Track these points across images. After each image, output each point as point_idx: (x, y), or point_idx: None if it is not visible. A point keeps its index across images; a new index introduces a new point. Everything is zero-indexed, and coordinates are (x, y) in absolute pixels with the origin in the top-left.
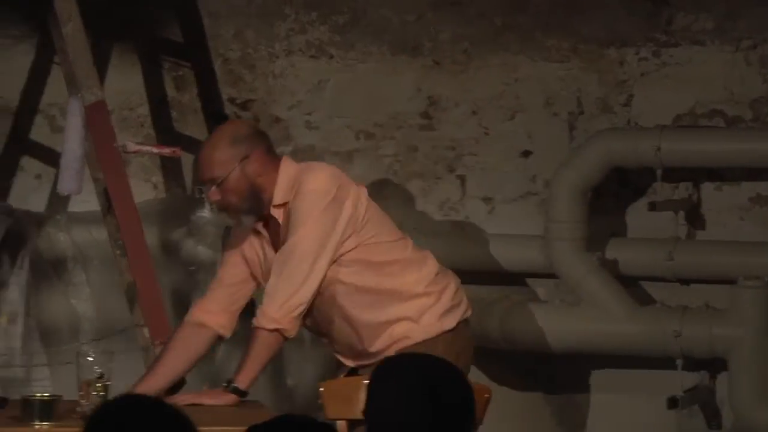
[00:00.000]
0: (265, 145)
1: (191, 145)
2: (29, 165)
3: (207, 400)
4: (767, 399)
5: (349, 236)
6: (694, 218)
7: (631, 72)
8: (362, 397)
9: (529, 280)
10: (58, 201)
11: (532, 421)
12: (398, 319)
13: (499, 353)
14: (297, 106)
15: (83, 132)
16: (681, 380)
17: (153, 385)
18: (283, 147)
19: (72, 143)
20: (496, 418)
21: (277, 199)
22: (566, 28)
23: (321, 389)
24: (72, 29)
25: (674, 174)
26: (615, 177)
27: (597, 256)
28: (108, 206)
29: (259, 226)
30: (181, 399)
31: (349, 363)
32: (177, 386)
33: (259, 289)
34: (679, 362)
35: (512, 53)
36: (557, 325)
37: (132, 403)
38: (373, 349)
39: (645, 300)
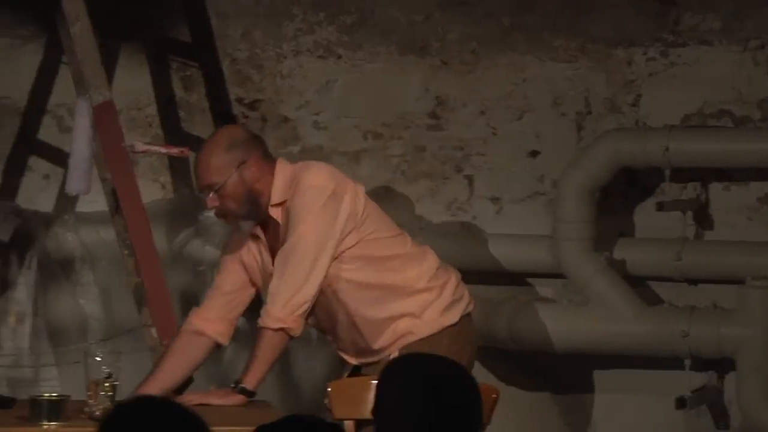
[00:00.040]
0: (262, 149)
1: (199, 145)
2: (37, 165)
3: (215, 400)
4: None
5: (350, 232)
6: (702, 218)
7: (639, 72)
8: (369, 397)
9: (537, 281)
10: (66, 201)
11: (539, 421)
12: (401, 315)
13: (507, 353)
14: (305, 106)
15: (91, 132)
16: (689, 380)
17: (150, 393)
18: (291, 147)
19: (80, 143)
20: (504, 418)
21: (275, 198)
22: (574, 28)
23: (328, 389)
24: (80, 29)
25: (682, 174)
26: (623, 177)
27: (605, 256)
28: (116, 206)
29: (258, 231)
30: (188, 399)
31: (352, 360)
32: (184, 385)
33: (259, 294)
34: (687, 362)
35: (520, 53)
36: (565, 325)
37: (146, 404)
38: (376, 345)
39: (653, 300)
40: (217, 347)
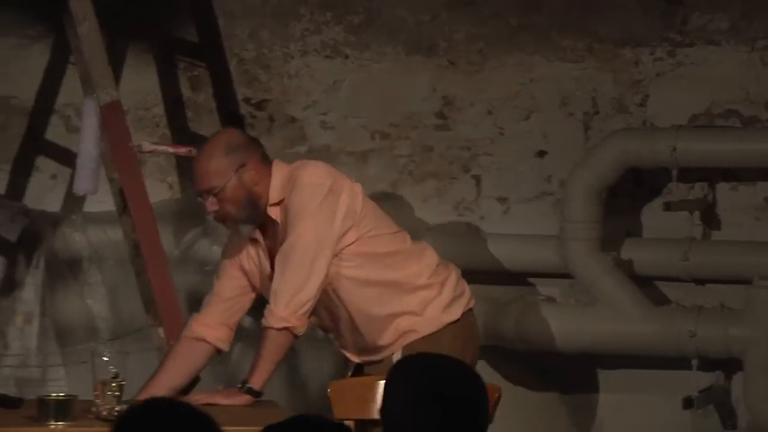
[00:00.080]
0: (260, 152)
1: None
2: (45, 165)
3: (222, 400)
4: None
5: (349, 229)
6: (710, 218)
7: (647, 72)
8: (369, 397)
9: (544, 281)
10: (73, 201)
11: (547, 421)
12: (402, 313)
13: (514, 353)
14: (312, 106)
15: (99, 132)
16: (696, 380)
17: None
18: (298, 147)
19: (87, 143)
20: (511, 418)
21: (273, 197)
22: (581, 28)
23: (328, 390)
24: (87, 29)
25: (690, 174)
26: (630, 177)
27: (612, 256)
28: (123, 206)
29: (257, 234)
30: (195, 399)
31: (355, 358)
32: (191, 385)
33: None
34: (694, 362)
35: (527, 53)
36: (572, 325)
37: (159, 406)
38: (378, 343)
39: (660, 300)
40: (218, 353)
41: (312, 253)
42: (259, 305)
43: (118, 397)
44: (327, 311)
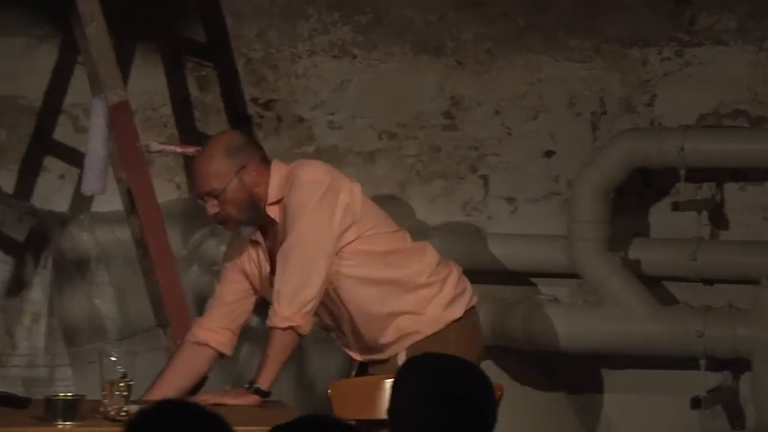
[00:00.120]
0: (260, 154)
1: None
2: (53, 165)
3: (230, 400)
4: None
5: (349, 227)
6: (718, 218)
7: (654, 72)
8: (371, 397)
9: (552, 281)
10: (81, 201)
11: (554, 421)
12: (402, 312)
13: (522, 353)
14: (320, 106)
15: (107, 132)
16: (704, 380)
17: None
18: (306, 147)
19: (95, 143)
20: (519, 418)
21: (272, 197)
22: (589, 28)
23: (329, 390)
24: (95, 29)
25: (697, 174)
26: (638, 177)
27: (620, 257)
28: (131, 206)
29: (257, 235)
30: (203, 399)
31: (357, 357)
32: (198, 385)
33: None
34: (702, 362)
35: (535, 53)
36: (580, 325)
37: (171, 407)
38: (380, 342)
39: (668, 300)
40: (221, 357)
41: (313, 251)
42: (266, 306)
43: (126, 397)
44: (327, 310)
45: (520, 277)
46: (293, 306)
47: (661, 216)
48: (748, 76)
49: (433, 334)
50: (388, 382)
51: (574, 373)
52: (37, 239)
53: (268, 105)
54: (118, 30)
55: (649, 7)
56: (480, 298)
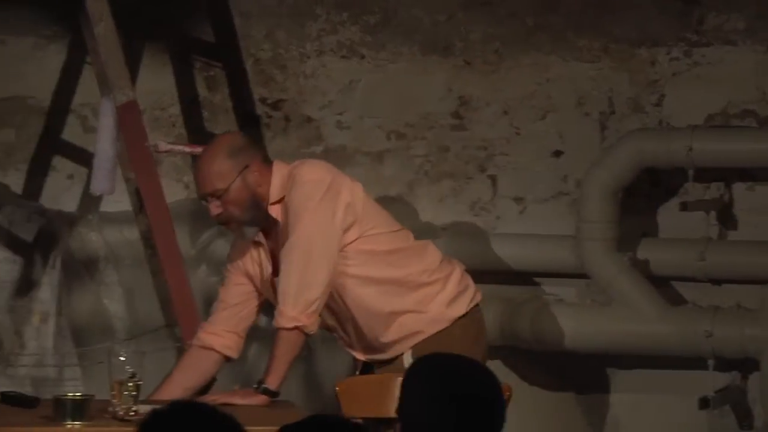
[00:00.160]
0: (262, 154)
1: None
2: (61, 165)
3: (238, 400)
4: None
5: (351, 225)
6: (726, 218)
7: (663, 72)
8: (378, 395)
9: (560, 281)
10: (90, 201)
11: (562, 420)
12: (405, 311)
13: (530, 353)
14: (328, 106)
15: (115, 132)
16: (712, 380)
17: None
18: (315, 147)
19: (104, 143)
20: (527, 417)
21: (274, 196)
22: (597, 28)
23: (337, 388)
24: (104, 29)
25: (706, 174)
26: (646, 177)
27: (628, 257)
28: (140, 206)
29: (260, 236)
30: (212, 399)
31: (361, 357)
32: (207, 385)
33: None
34: (710, 362)
35: (543, 53)
36: (588, 325)
37: (184, 408)
38: (383, 340)
39: (676, 300)
40: (227, 360)
41: (316, 249)
42: (269, 307)
43: (135, 397)
44: (329, 310)
45: (529, 277)
46: (298, 306)
47: (669, 216)
48: (757, 76)
49: (437, 332)
50: (396, 380)
51: (582, 373)
52: (45, 239)
53: (276, 105)
54: (126, 30)
55: (658, 7)
56: (488, 298)
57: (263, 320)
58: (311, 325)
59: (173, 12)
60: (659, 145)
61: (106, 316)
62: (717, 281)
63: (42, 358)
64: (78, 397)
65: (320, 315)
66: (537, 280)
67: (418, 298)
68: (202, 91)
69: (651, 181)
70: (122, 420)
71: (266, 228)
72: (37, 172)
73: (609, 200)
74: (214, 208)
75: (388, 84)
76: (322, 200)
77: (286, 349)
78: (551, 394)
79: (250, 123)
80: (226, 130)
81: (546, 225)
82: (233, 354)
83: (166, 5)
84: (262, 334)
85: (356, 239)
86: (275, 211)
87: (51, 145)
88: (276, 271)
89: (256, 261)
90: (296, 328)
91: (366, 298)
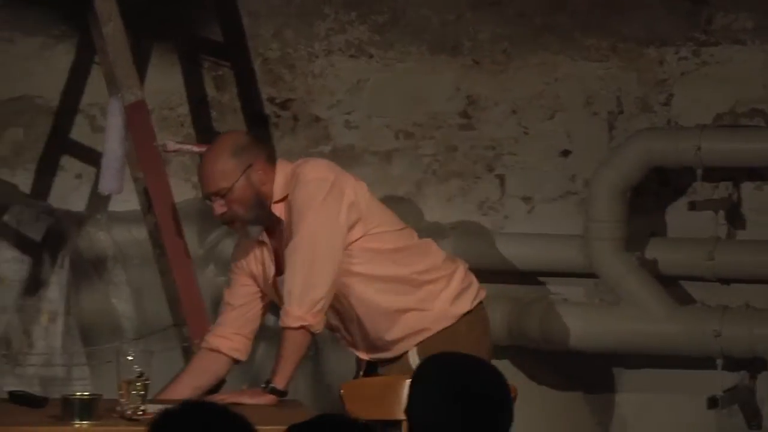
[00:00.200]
0: (266, 152)
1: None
2: (70, 164)
3: (247, 400)
4: None
5: (355, 223)
6: (735, 218)
7: (671, 71)
8: (383, 397)
9: (569, 280)
10: (98, 200)
11: (571, 420)
12: (409, 309)
13: (538, 353)
14: (336, 105)
15: (123, 132)
16: (721, 380)
17: None
18: (323, 147)
19: (112, 143)
20: (535, 417)
21: (277, 194)
22: (606, 27)
23: (341, 390)
24: (112, 29)
25: (714, 173)
26: (655, 176)
27: (636, 256)
28: (148, 205)
29: (263, 236)
30: (220, 398)
31: (364, 356)
32: (217, 386)
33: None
34: (719, 362)
35: (552, 53)
36: (596, 324)
37: (195, 408)
38: (387, 338)
39: (685, 300)
40: (236, 362)
41: (320, 248)
42: (274, 307)
43: (143, 397)
44: (333, 309)
45: (537, 277)
46: (304, 305)
47: (677, 215)
48: (765, 76)
49: (443, 329)
50: (401, 382)
51: (590, 373)
52: (54, 238)
53: (284, 104)
54: (135, 29)
55: (666, 7)
56: (496, 297)
57: (270, 320)
58: (317, 324)
59: (182, 12)
60: (668, 144)
61: (115, 315)
62: (725, 281)
63: (50, 357)
64: (86, 397)
65: (328, 314)
66: (545, 279)
67: (423, 296)
68: (210, 90)
69: (659, 181)
70: (130, 419)
71: (269, 227)
72: (46, 171)
73: (617, 200)
74: (219, 207)
75: (396, 83)
76: (325, 199)
77: (293, 348)
78: (559, 394)
79: (258, 123)
80: (231, 129)
81: (554, 224)
82: (241, 356)
83: (175, 5)
84: (269, 333)
85: (361, 237)
86: (278, 210)
87: (59, 144)
88: (279, 271)
89: (259, 260)
90: (302, 327)
91: (371, 295)
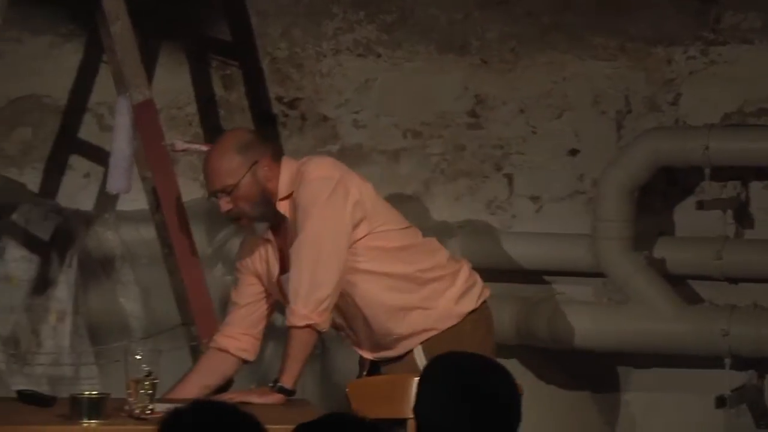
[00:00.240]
0: (271, 149)
1: None
2: (78, 164)
3: (255, 399)
4: None
5: (361, 221)
6: (743, 217)
7: (679, 71)
8: (389, 396)
9: (577, 279)
10: (106, 200)
11: (579, 419)
12: (414, 307)
13: (547, 352)
14: (344, 104)
15: (132, 131)
16: (729, 379)
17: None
18: (331, 146)
19: (120, 142)
20: (543, 416)
21: (282, 192)
22: (614, 26)
23: (348, 389)
24: (120, 28)
25: (722, 173)
26: (663, 176)
27: (645, 255)
28: (156, 205)
29: (268, 234)
30: (229, 397)
31: (368, 355)
32: (225, 386)
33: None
34: (727, 361)
35: (560, 52)
36: (604, 324)
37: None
38: (392, 336)
39: (693, 299)
40: (244, 362)
41: (326, 247)
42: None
43: (151, 396)
44: (337, 308)
45: (545, 276)
46: (310, 304)
47: (685, 215)
48: None
49: (448, 328)
50: (407, 381)
51: (598, 372)
52: (62, 238)
53: (292, 104)
54: (143, 29)
55: (674, 6)
56: (504, 297)
57: (278, 319)
58: (323, 322)
59: (190, 11)
60: (675, 143)
61: (123, 314)
62: (734, 280)
63: (59, 356)
64: (94, 396)
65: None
66: (553, 278)
67: (427, 294)
68: (218, 89)
69: (667, 180)
70: (138, 418)
71: (274, 225)
72: (54, 170)
73: (625, 199)
74: (224, 204)
75: (404, 83)
76: (330, 197)
77: (299, 347)
78: (567, 393)
79: (266, 122)
80: (234, 127)
81: (562, 224)
82: (249, 357)
83: (183, 4)
84: (277, 333)
85: (366, 236)
86: (283, 208)
87: (67, 143)
88: (283, 269)
89: (263, 258)
90: (308, 326)
91: (375, 293)
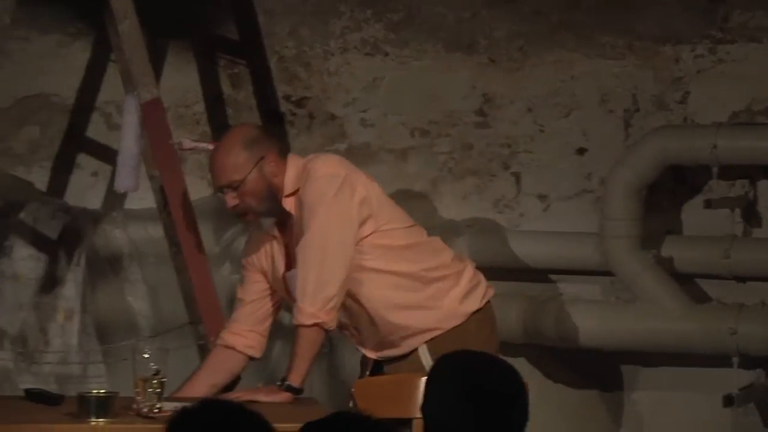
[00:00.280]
0: (278, 145)
1: None
2: (86, 162)
3: (263, 398)
4: None
5: (367, 219)
6: (751, 215)
7: (687, 69)
8: (395, 395)
9: (584, 278)
10: (114, 198)
11: (586, 418)
12: (420, 306)
13: (554, 351)
14: (352, 103)
15: (139, 129)
16: (737, 378)
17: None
18: (338, 144)
19: (128, 141)
20: (551, 415)
21: (288, 188)
22: (622, 25)
23: (353, 388)
24: (128, 27)
25: (730, 171)
26: (671, 174)
27: (652, 254)
28: (164, 203)
29: (274, 230)
30: (236, 396)
31: (372, 355)
32: (232, 384)
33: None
34: (735, 360)
35: (568, 50)
36: (613, 322)
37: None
38: (397, 335)
39: (701, 297)
40: (251, 359)
41: (332, 245)
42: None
43: (159, 394)
44: (342, 307)
45: (552, 275)
46: (317, 303)
47: (693, 213)
48: None
49: (453, 328)
50: (413, 380)
51: (606, 371)
52: (70, 236)
53: (300, 102)
54: (150, 27)
55: (682, 5)
56: (512, 295)
57: (286, 318)
58: (330, 321)
59: (197, 10)
60: (683, 142)
61: (131, 313)
62: (741, 278)
63: (66, 355)
64: (102, 394)
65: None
66: (560, 277)
67: (432, 293)
68: (226, 88)
69: (675, 179)
70: (146, 417)
71: (280, 221)
72: (62, 169)
73: (633, 198)
74: (231, 199)
75: (411, 81)
76: (336, 195)
77: (307, 346)
78: (575, 392)
79: (274, 120)
80: (240, 123)
81: (570, 222)
82: (256, 354)
83: (191, 3)
84: (284, 331)
85: (371, 233)
86: (289, 204)
87: (75, 142)
88: (288, 266)
89: (269, 255)
90: (316, 324)
91: (380, 291)
